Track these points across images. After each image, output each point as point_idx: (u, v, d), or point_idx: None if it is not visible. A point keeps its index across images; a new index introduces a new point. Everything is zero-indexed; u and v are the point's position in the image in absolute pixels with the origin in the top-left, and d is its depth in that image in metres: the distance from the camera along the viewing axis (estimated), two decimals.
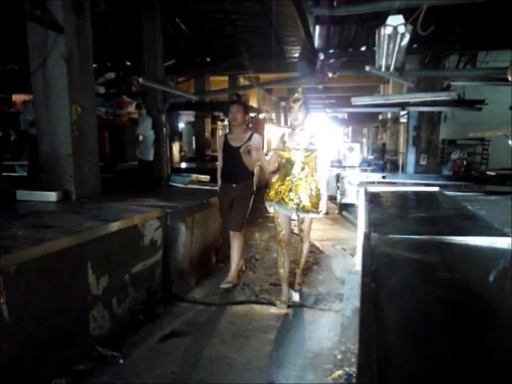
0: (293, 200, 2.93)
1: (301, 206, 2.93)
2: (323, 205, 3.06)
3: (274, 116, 15.84)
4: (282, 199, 2.97)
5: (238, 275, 3.59)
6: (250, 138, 3.39)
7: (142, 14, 5.87)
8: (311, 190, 2.97)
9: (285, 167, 3.06)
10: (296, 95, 3.00)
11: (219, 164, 3.60)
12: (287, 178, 3.01)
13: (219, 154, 3.61)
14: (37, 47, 3.38)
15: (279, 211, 3.07)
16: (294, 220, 3.25)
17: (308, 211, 2.99)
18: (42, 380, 2.04)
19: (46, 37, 3.31)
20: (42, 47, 3.34)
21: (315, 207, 2.99)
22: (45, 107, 3.45)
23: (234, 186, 3.45)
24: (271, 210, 3.13)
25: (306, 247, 3.39)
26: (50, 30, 3.27)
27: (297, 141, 3.02)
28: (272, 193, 3.06)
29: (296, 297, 3.20)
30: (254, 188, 3.59)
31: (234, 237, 3.48)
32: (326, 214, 3.59)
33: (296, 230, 3.78)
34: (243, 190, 3.44)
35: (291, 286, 3.30)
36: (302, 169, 2.98)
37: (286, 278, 3.16)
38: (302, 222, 3.26)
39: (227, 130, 3.66)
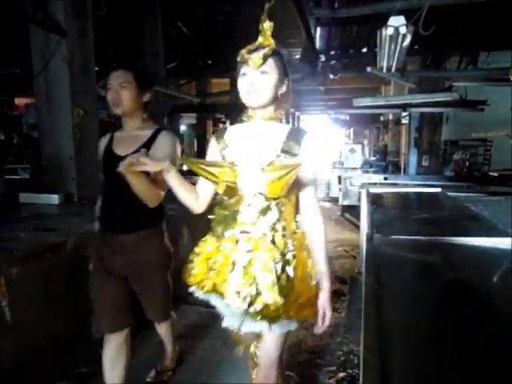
0: (239, 292, 1.22)
1: (256, 304, 1.20)
2: (325, 304, 1.30)
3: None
4: (215, 288, 1.28)
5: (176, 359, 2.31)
6: (152, 140, 1.70)
7: (144, 17, 5.91)
8: (286, 262, 1.25)
9: (225, 206, 1.32)
10: (260, 39, 1.32)
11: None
12: (227, 234, 1.29)
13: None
14: (39, 50, 3.39)
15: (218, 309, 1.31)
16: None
17: (274, 318, 1.21)
18: (44, 383, 2.04)
19: (48, 40, 3.33)
20: (45, 50, 3.35)
21: (294, 308, 1.23)
22: (47, 110, 3.46)
23: (124, 238, 1.71)
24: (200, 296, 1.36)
25: None
26: (53, 33, 3.28)
27: (254, 144, 1.29)
28: (200, 268, 1.33)
29: None
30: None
31: (162, 326, 2.08)
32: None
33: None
34: (147, 250, 1.77)
35: None
36: (264, 211, 1.25)
37: None
38: (258, 337, 1.48)
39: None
